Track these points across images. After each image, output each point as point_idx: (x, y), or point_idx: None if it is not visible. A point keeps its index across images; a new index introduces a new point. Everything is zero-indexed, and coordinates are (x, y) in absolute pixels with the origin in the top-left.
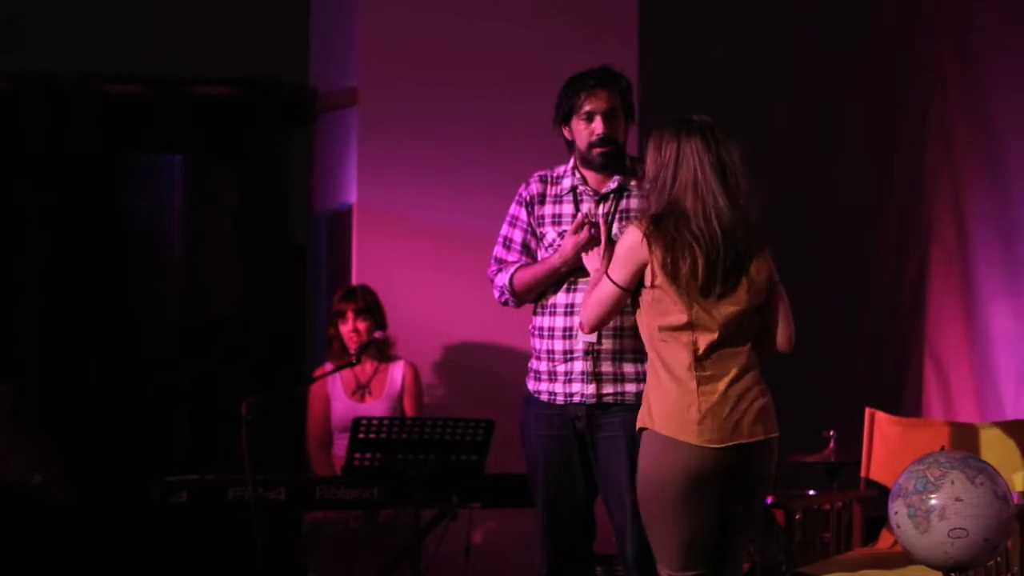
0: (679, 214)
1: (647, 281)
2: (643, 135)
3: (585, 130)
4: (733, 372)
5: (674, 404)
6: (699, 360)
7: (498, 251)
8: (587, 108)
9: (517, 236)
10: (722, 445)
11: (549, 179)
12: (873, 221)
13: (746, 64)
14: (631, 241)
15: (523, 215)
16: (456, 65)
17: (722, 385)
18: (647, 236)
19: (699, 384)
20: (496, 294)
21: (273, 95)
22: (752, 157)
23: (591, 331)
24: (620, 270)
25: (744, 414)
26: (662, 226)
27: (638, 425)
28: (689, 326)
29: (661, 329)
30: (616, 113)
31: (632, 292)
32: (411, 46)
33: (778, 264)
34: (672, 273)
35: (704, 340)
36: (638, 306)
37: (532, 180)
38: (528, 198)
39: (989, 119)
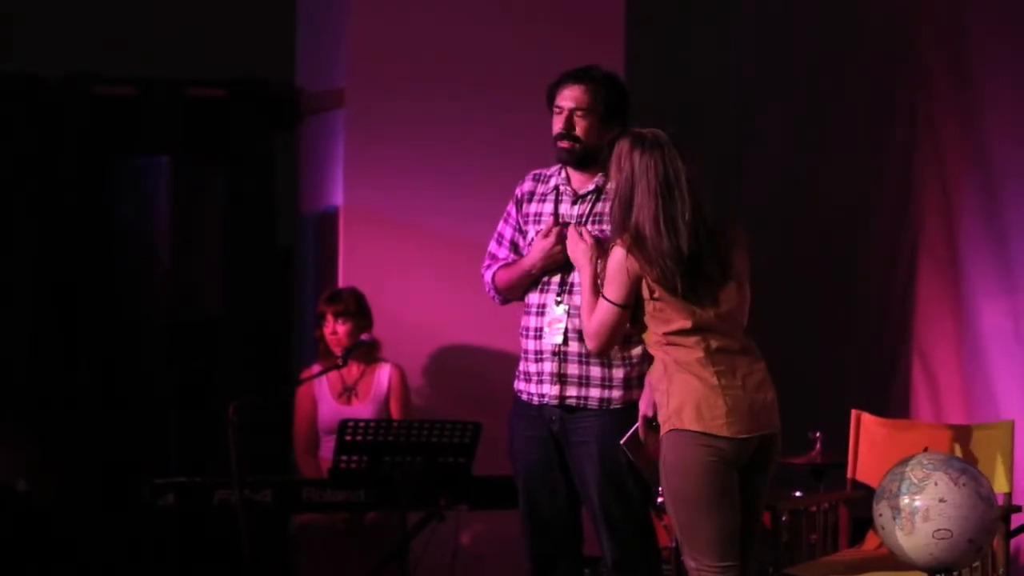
0: (643, 231)
1: (646, 294)
2: None
3: (553, 124)
4: (745, 366)
5: (702, 399)
6: (712, 357)
7: (491, 246)
8: (556, 102)
9: (507, 232)
10: (747, 436)
11: (541, 177)
12: (861, 221)
13: (734, 65)
14: (619, 259)
15: (513, 212)
16: (442, 67)
17: (739, 379)
18: (631, 252)
19: (719, 378)
20: (486, 289)
21: (260, 96)
22: (740, 157)
23: (602, 355)
24: (616, 289)
25: (762, 406)
26: (641, 241)
27: (665, 428)
28: (696, 329)
29: (667, 335)
30: (587, 112)
31: (632, 307)
32: (397, 48)
33: (766, 264)
34: (667, 284)
35: (712, 339)
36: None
37: (527, 177)
38: (519, 195)
39: (978, 119)
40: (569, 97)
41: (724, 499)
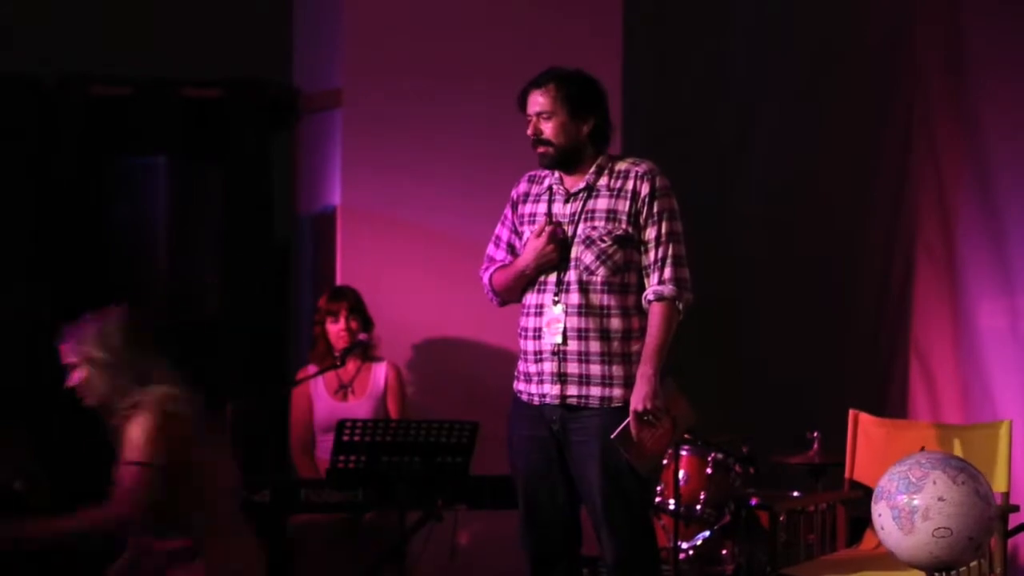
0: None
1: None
2: (634, 137)
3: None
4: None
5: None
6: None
7: (489, 248)
8: (526, 111)
9: (504, 235)
10: None
11: (536, 178)
12: (859, 221)
13: (732, 63)
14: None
15: (509, 214)
16: (440, 67)
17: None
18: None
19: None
20: (485, 291)
21: (257, 96)
22: (739, 157)
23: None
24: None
25: None
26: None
27: None
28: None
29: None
30: (549, 113)
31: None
32: (395, 47)
33: (762, 264)
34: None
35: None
36: None
37: (522, 179)
38: (515, 197)
39: (974, 118)
40: (532, 103)
41: None
